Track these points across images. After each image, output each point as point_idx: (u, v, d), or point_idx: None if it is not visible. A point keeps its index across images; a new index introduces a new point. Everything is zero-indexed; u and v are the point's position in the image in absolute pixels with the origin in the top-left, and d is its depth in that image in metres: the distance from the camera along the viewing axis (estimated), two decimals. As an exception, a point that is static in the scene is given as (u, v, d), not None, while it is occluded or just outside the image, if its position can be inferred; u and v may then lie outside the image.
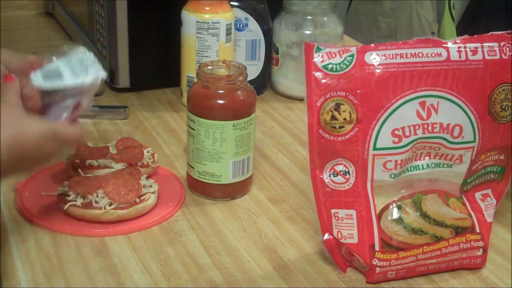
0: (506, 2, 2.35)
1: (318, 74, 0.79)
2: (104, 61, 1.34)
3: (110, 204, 0.91)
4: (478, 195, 0.86)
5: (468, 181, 0.85)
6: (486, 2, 2.39)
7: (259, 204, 0.99)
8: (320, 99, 0.79)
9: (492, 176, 0.87)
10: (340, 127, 0.80)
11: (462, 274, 0.85)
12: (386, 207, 0.83)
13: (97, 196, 0.91)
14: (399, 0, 2.37)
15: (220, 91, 0.95)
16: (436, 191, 0.84)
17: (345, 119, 0.79)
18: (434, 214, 0.83)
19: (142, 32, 1.30)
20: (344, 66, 0.79)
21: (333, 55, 0.79)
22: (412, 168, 0.83)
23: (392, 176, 0.82)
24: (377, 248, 0.81)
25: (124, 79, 1.32)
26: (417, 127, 0.81)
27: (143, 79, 1.33)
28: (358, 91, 0.79)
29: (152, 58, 1.33)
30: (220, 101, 0.95)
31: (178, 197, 0.98)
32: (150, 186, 0.96)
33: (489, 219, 0.86)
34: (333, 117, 0.80)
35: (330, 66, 0.79)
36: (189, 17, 1.20)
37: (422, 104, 0.80)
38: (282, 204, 0.99)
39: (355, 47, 0.80)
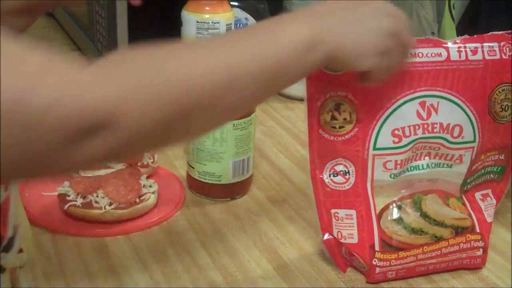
0: (506, 2, 2.35)
1: (318, 74, 0.79)
2: (104, 61, 1.34)
3: (110, 204, 0.91)
4: (478, 195, 0.86)
5: (468, 181, 0.85)
6: (486, 2, 2.39)
7: (259, 204, 0.99)
8: (320, 99, 0.79)
9: (492, 176, 0.87)
10: (340, 127, 0.80)
11: (462, 274, 0.85)
12: (386, 207, 0.83)
13: (97, 196, 0.91)
14: (399, 0, 2.37)
15: (220, 91, 0.95)
16: (436, 191, 0.84)
17: (345, 119, 0.79)
18: (434, 214, 0.83)
19: (142, 32, 1.30)
20: None
21: None
22: (412, 168, 0.83)
23: (392, 176, 0.82)
24: (377, 248, 0.81)
25: (124, 79, 1.32)
26: (417, 127, 0.81)
27: (143, 79, 1.33)
28: (358, 91, 0.79)
29: (152, 58, 1.33)
30: (220, 101, 0.95)
31: (178, 197, 0.98)
32: (150, 186, 0.96)
33: (489, 219, 0.86)
34: (333, 117, 0.80)
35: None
36: (189, 17, 1.20)
37: (422, 104, 0.80)
38: (282, 204, 0.99)
39: None
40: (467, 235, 0.84)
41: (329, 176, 0.82)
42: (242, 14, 1.29)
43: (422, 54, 0.80)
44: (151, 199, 0.94)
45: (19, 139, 0.48)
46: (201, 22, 1.19)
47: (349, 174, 0.81)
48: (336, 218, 0.82)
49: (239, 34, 0.64)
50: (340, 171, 0.81)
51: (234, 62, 0.60)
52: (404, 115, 0.80)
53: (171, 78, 0.56)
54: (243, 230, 0.93)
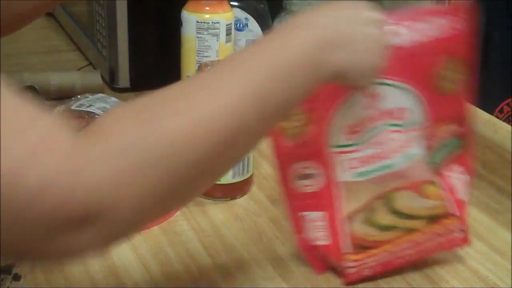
0: (506, 2, 2.35)
1: None
2: (104, 61, 1.34)
3: None
4: (448, 173, 0.85)
5: (432, 160, 0.84)
6: (486, 2, 2.39)
7: (259, 204, 0.99)
8: None
9: (454, 149, 0.85)
10: (299, 130, 0.79)
11: (462, 275, 0.85)
12: (357, 209, 0.82)
13: None
14: (399, 0, 2.37)
15: (220, 91, 0.95)
16: (408, 187, 0.82)
17: (301, 122, 0.79)
18: (408, 209, 0.82)
19: (142, 32, 1.30)
20: None
21: None
22: (381, 168, 0.81)
23: (359, 175, 0.80)
24: (348, 249, 0.81)
25: (124, 79, 1.32)
26: (369, 118, 0.79)
27: (143, 79, 1.33)
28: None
29: (152, 58, 1.33)
30: (220, 101, 0.95)
31: None
32: None
33: (463, 197, 0.85)
34: (290, 123, 0.79)
35: None
36: (189, 17, 1.20)
37: (371, 94, 0.78)
38: (282, 204, 0.99)
39: None
40: (443, 221, 0.83)
41: (296, 180, 0.82)
42: (242, 14, 1.29)
43: None
44: None
45: (5, 221, 0.44)
46: (201, 22, 1.19)
47: (316, 176, 0.81)
48: (307, 220, 0.82)
49: (234, 66, 0.59)
50: (306, 174, 0.81)
51: (239, 105, 0.55)
52: (356, 109, 0.79)
53: (167, 149, 0.50)
54: (243, 230, 0.93)
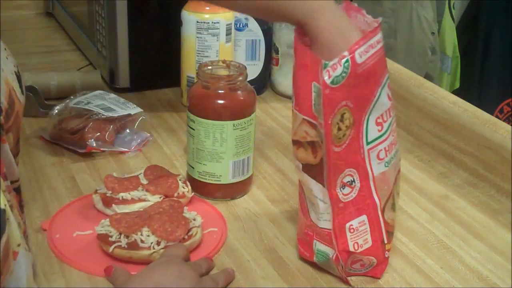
0: (506, 2, 2.35)
1: (327, 91, 0.75)
2: (104, 61, 1.34)
3: (158, 243, 0.83)
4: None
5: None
6: (486, 2, 2.39)
7: (259, 204, 0.99)
8: (331, 116, 0.76)
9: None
10: (344, 135, 0.78)
11: (462, 275, 0.86)
12: (387, 199, 0.83)
13: (141, 235, 0.83)
14: (399, 0, 2.36)
15: (220, 91, 0.95)
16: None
17: (347, 126, 0.77)
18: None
19: (142, 32, 1.30)
20: (344, 75, 0.75)
21: (335, 66, 0.75)
22: (395, 153, 0.83)
23: (386, 164, 0.81)
24: (385, 240, 0.83)
25: (124, 79, 1.32)
26: (390, 109, 0.81)
27: (143, 79, 1.33)
28: (352, 94, 0.77)
29: (152, 58, 1.33)
30: (220, 101, 0.95)
31: (220, 229, 0.91)
32: (194, 219, 0.88)
33: None
34: (339, 128, 0.77)
35: (335, 80, 0.75)
36: (189, 17, 1.20)
37: (389, 86, 0.80)
38: (282, 204, 0.99)
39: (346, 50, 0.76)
40: None
41: (340, 190, 0.79)
42: (242, 14, 1.29)
43: (374, 44, 0.78)
44: (198, 234, 0.86)
45: None
46: (201, 22, 1.19)
47: (355, 182, 0.80)
48: (352, 230, 0.81)
49: None
50: (347, 182, 0.79)
51: None
52: (382, 101, 0.79)
53: None
54: (243, 230, 0.93)
